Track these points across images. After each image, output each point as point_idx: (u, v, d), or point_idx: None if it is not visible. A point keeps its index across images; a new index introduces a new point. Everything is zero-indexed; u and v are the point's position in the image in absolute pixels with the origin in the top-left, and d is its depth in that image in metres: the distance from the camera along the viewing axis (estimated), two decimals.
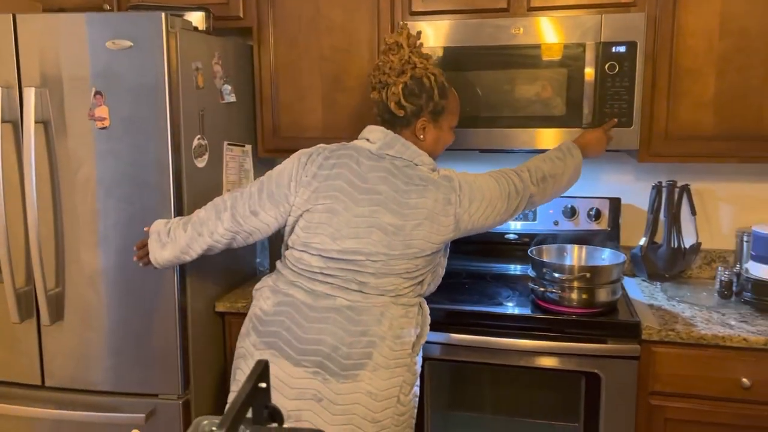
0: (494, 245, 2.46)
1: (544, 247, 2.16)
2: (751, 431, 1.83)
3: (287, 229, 1.73)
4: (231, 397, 1.76)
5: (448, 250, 1.84)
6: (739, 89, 1.99)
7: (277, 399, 1.62)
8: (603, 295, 1.93)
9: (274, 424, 0.74)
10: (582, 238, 2.34)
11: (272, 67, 2.32)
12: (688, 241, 2.32)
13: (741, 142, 2.01)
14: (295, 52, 2.29)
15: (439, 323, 1.98)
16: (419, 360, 1.74)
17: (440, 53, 2.09)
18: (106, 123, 1.90)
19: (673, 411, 1.87)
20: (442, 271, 1.83)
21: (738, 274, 2.10)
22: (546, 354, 1.91)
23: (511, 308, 2.00)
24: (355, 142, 1.75)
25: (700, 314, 1.97)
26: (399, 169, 1.67)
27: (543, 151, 2.23)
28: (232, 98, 2.19)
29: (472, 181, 1.71)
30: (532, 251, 2.08)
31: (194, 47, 1.98)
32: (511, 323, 1.95)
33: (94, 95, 1.89)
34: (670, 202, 2.29)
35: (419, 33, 1.79)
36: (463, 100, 2.10)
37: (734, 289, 2.10)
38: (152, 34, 1.84)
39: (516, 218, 2.41)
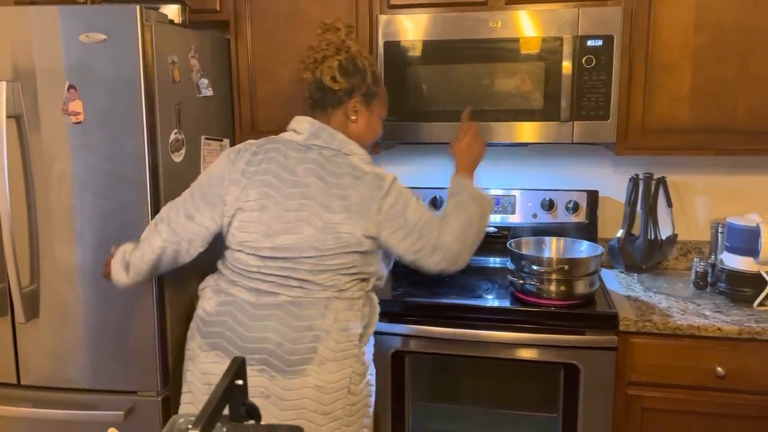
0: None
1: (523, 239, 2.18)
2: (726, 419, 1.86)
3: (224, 229, 1.71)
4: (184, 398, 1.73)
5: (392, 259, 1.79)
6: (714, 83, 2.01)
7: None
8: (581, 287, 1.95)
9: (252, 421, 0.74)
10: (560, 231, 2.35)
11: (250, 61, 2.30)
12: (664, 232, 2.35)
13: (716, 134, 2.03)
14: (273, 46, 2.27)
15: (419, 316, 1.99)
16: (369, 350, 1.74)
17: (419, 47, 2.08)
18: (81, 117, 1.87)
19: (650, 400, 1.90)
20: (386, 272, 1.79)
21: (713, 265, 2.13)
22: (525, 346, 1.92)
23: (491, 301, 2.01)
24: (283, 134, 1.73)
25: (676, 305, 2.00)
26: (328, 159, 1.65)
27: (523, 144, 2.25)
28: (209, 92, 2.16)
29: (400, 195, 1.65)
30: (510, 244, 2.09)
31: (170, 41, 1.95)
32: (491, 316, 1.96)
33: (68, 89, 1.86)
34: (646, 195, 2.31)
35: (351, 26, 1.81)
36: (442, 94, 2.11)
37: (709, 279, 2.13)
38: (127, 27, 1.82)
39: (495, 211, 2.43)
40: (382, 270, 1.77)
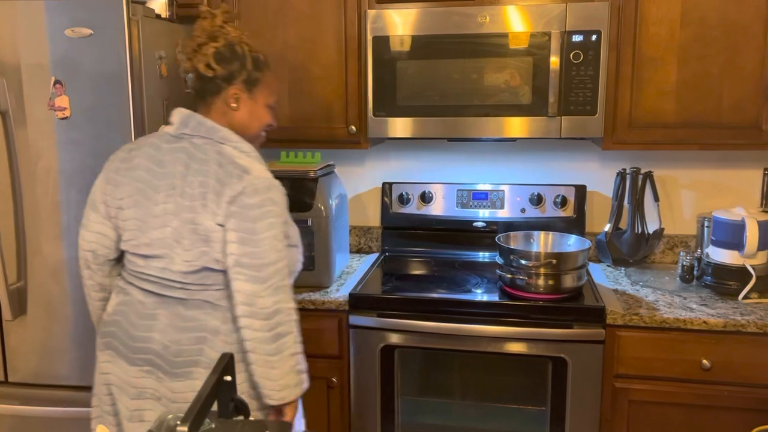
0: (462, 233, 2.48)
1: (511, 234, 2.19)
2: (711, 411, 1.89)
3: (116, 233, 1.61)
4: (94, 401, 1.63)
5: (300, 247, 1.63)
6: (699, 77, 2.03)
7: (120, 399, 1.56)
8: (569, 281, 1.96)
9: (240, 417, 0.74)
10: (548, 225, 2.37)
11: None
12: (651, 226, 2.37)
13: (701, 129, 2.05)
14: (261, 41, 2.26)
15: (408, 311, 1.99)
16: None
17: (408, 42, 2.09)
18: (67, 113, 1.86)
19: (637, 393, 1.92)
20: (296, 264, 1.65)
21: (699, 259, 2.15)
22: (514, 340, 1.93)
23: (480, 295, 2.02)
24: (161, 128, 1.65)
25: (663, 298, 2.02)
26: (197, 147, 1.54)
27: (512, 140, 2.26)
28: None
29: (265, 207, 1.47)
30: (499, 238, 2.10)
31: (157, 35, 1.94)
32: (480, 310, 1.97)
33: (54, 84, 1.85)
34: (633, 189, 2.33)
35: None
36: (431, 89, 2.11)
37: (695, 273, 2.15)
38: (113, 22, 1.80)
39: (485, 206, 2.44)
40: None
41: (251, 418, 0.73)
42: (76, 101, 1.85)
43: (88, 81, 1.83)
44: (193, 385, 1.52)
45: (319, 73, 2.24)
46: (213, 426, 0.71)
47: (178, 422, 0.67)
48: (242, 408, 0.73)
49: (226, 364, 0.71)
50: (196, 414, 0.61)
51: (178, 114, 1.61)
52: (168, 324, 1.52)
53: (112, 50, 1.81)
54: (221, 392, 0.70)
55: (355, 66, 2.21)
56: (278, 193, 1.51)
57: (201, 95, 1.64)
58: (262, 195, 1.48)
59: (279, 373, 1.48)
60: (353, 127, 2.24)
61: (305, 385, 1.55)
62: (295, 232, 1.62)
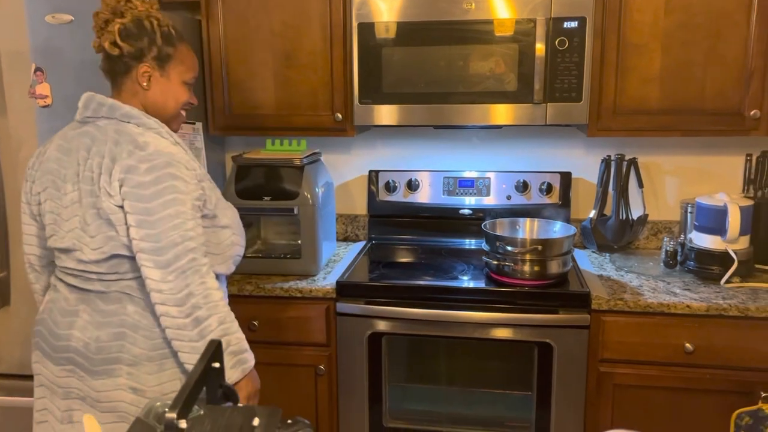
0: (449, 221, 2.48)
1: (498, 221, 2.20)
2: (694, 393, 1.92)
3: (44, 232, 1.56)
4: (37, 392, 1.57)
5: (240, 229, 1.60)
6: (683, 64, 2.04)
7: (53, 399, 1.51)
8: (554, 267, 1.98)
9: (229, 403, 0.74)
10: (534, 212, 2.38)
11: (222, 43, 2.26)
12: (635, 213, 2.39)
13: (684, 116, 2.07)
14: (246, 27, 2.24)
15: (395, 298, 2.00)
16: None
17: (393, 28, 2.08)
18: (48, 101, 1.84)
19: (621, 377, 1.94)
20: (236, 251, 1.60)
21: (682, 244, 2.18)
22: (500, 325, 1.95)
23: (466, 282, 2.03)
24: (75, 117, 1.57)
25: (647, 283, 2.04)
26: (100, 129, 1.46)
27: (498, 127, 2.26)
28: None
29: (160, 183, 1.39)
30: (485, 225, 2.11)
31: None
32: (466, 296, 1.98)
33: (35, 72, 1.82)
34: (618, 176, 2.35)
35: None
36: (417, 76, 2.10)
37: (679, 258, 2.18)
38: (94, 7, 1.77)
39: (470, 194, 2.45)
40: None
41: (240, 405, 0.72)
42: (57, 89, 1.83)
43: (70, 68, 1.81)
44: (116, 383, 1.44)
45: (304, 61, 2.23)
46: (202, 412, 0.70)
47: (167, 409, 0.67)
48: (231, 395, 0.73)
49: (214, 350, 0.70)
50: (185, 401, 0.61)
51: (83, 98, 1.53)
52: (88, 321, 1.46)
53: (92, 37, 1.79)
54: (209, 379, 0.70)
55: (341, 53, 2.20)
56: (181, 168, 1.41)
57: (111, 76, 1.54)
58: (158, 171, 1.38)
59: None
60: (339, 115, 2.23)
61: (247, 364, 1.47)
62: (226, 212, 1.56)
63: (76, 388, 1.48)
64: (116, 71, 1.53)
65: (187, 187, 1.41)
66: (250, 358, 1.49)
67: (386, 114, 2.14)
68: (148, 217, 1.37)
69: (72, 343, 1.47)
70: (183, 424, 0.60)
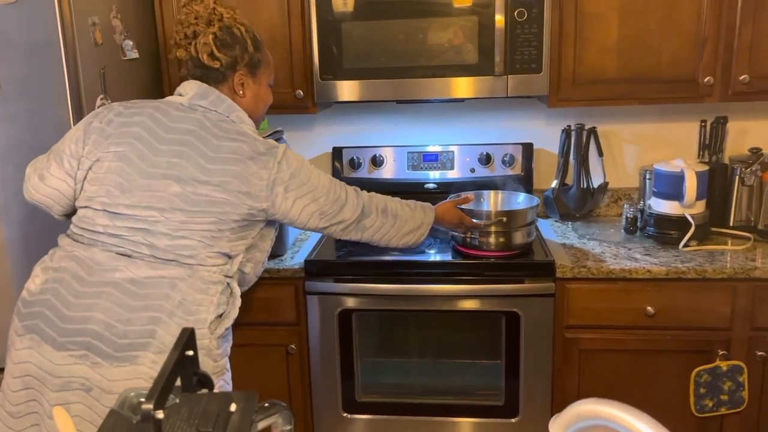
0: (414, 195, 2.48)
1: (463, 194, 2.21)
2: (656, 354, 1.98)
3: (77, 188, 1.52)
4: (13, 384, 1.45)
5: (272, 239, 1.69)
6: (639, 33, 2.07)
7: (42, 391, 1.39)
8: (519, 238, 2.01)
9: (205, 390, 0.74)
10: (498, 184, 2.40)
11: (176, 21, 2.20)
12: (596, 181, 2.44)
13: (641, 84, 2.10)
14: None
15: (364, 275, 2.01)
16: (224, 347, 1.53)
17: (351, 3, 2.05)
18: None
19: (587, 342, 2.00)
20: (262, 257, 1.67)
21: (642, 210, 2.23)
22: (467, 297, 1.98)
23: (434, 255, 2.05)
24: (167, 98, 1.61)
25: (609, 250, 2.09)
26: (213, 122, 1.52)
27: (460, 100, 2.27)
28: (134, 54, 2.07)
29: (301, 161, 1.59)
30: (450, 198, 2.12)
31: (89, 1, 1.85)
32: (433, 270, 2.00)
33: None
34: (578, 145, 2.38)
35: None
36: (377, 51, 2.09)
37: (639, 224, 2.23)
38: None
39: (435, 167, 2.45)
40: (259, 253, 1.64)
41: (216, 391, 0.72)
42: (6, 73, 1.76)
43: (18, 52, 1.74)
44: (137, 371, 1.38)
45: (262, 37, 2.18)
46: (177, 401, 0.70)
47: (142, 399, 0.66)
48: (206, 382, 0.73)
49: (187, 338, 0.70)
50: (161, 390, 0.61)
51: (193, 85, 1.57)
52: (115, 303, 1.40)
53: (40, 18, 1.72)
54: (184, 367, 0.70)
55: (299, 29, 2.16)
56: (289, 149, 1.60)
57: (204, 82, 1.59)
58: (290, 158, 1.56)
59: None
60: (300, 92, 2.20)
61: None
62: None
63: (82, 377, 1.37)
64: (211, 79, 1.59)
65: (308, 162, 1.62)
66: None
67: (348, 90, 2.13)
68: (315, 193, 1.61)
69: (91, 326, 1.38)
70: (160, 414, 0.59)
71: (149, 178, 1.45)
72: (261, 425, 0.74)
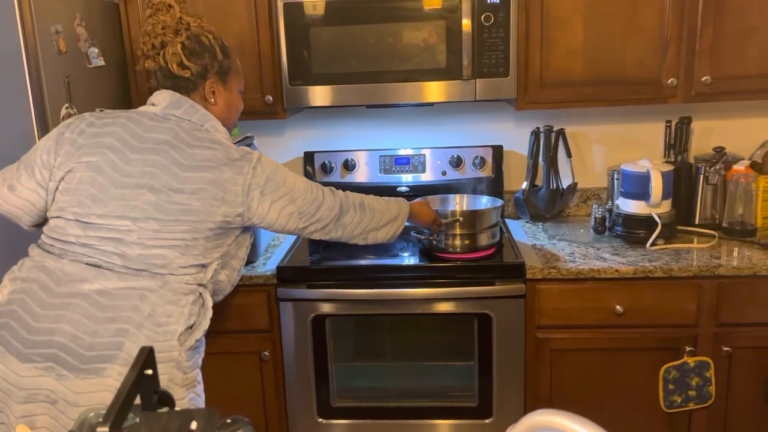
0: None
1: (429, 197, 2.22)
2: (625, 352, 2.01)
3: (49, 199, 1.51)
4: None
5: (247, 247, 1.68)
6: (603, 36, 2.10)
7: (7, 403, 1.38)
8: (484, 240, 2.03)
9: (166, 408, 0.73)
10: (469, 186, 2.42)
11: (142, 27, 2.18)
12: (565, 182, 2.47)
13: (607, 86, 2.13)
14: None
15: (336, 280, 2.01)
16: (195, 359, 1.51)
17: (321, 7, 2.05)
18: None
19: (558, 341, 2.02)
20: (237, 266, 1.65)
21: (610, 210, 2.26)
22: (440, 300, 1.99)
23: (406, 259, 2.06)
24: (139, 108, 1.60)
25: (578, 250, 2.12)
26: (187, 131, 1.52)
27: (430, 104, 2.28)
28: (100, 62, 2.05)
29: (276, 165, 1.60)
30: (424, 198, 2.13)
31: (52, 8, 1.82)
32: (405, 273, 2.01)
33: None
34: (547, 147, 2.41)
35: None
36: (347, 56, 2.09)
37: (607, 224, 2.26)
38: None
39: (407, 171, 2.46)
40: (235, 261, 1.63)
41: (177, 409, 0.72)
42: None
43: None
44: (104, 383, 1.36)
45: (231, 43, 2.16)
46: (137, 420, 0.70)
47: (101, 419, 0.66)
48: (167, 400, 0.73)
49: (146, 357, 0.70)
50: (118, 411, 0.61)
51: (166, 94, 1.57)
52: (83, 314, 1.38)
53: (0, 26, 1.69)
54: (143, 386, 0.69)
55: (268, 34, 2.16)
56: (264, 156, 1.61)
57: (175, 91, 1.58)
58: (264, 164, 1.56)
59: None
60: (270, 97, 2.20)
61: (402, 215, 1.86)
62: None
63: (47, 389, 1.35)
64: (181, 89, 1.58)
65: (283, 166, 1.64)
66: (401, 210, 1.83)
67: (318, 95, 2.13)
68: (292, 195, 1.63)
69: (57, 338, 1.36)
70: None
71: (122, 187, 1.45)
72: None
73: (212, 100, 1.62)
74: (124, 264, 1.44)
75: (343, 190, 1.76)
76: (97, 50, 2.03)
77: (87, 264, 1.44)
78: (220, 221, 1.50)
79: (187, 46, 1.56)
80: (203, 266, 1.53)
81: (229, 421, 0.75)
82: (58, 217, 1.47)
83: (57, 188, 1.48)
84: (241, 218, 1.55)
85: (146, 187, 1.45)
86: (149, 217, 1.44)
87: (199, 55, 1.58)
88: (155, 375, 0.71)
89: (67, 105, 1.88)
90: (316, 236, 1.71)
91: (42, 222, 1.58)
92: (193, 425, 0.69)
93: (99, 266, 1.44)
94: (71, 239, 1.45)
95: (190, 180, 1.47)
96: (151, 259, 1.45)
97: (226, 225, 1.53)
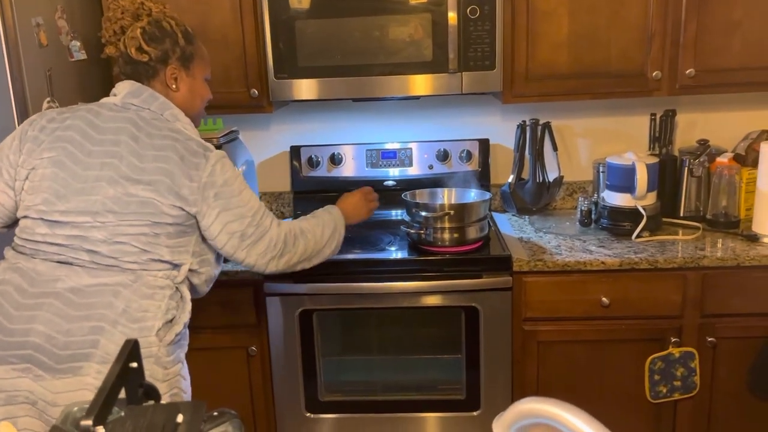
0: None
1: (417, 191, 2.22)
2: (612, 344, 2.03)
3: (18, 199, 1.49)
4: None
5: (221, 258, 1.65)
6: (588, 29, 2.10)
7: None
8: (473, 233, 2.03)
9: (151, 402, 0.73)
10: (456, 180, 2.42)
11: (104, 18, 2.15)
12: (551, 175, 2.48)
13: (593, 79, 2.14)
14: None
15: (324, 274, 2.00)
16: (177, 353, 1.48)
17: (305, 0, 2.04)
18: None
19: (544, 334, 2.03)
20: (211, 271, 1.61)
21: (596, 203, 2.27)
22: (427, 293, 1.99)
23: (393, 253, 2.06)
24: (101, 100, 1.58)
25: (564, 243, 2.13)
26: (146, 121, 1.49)
27: (416, 97, 2.28)
28: (82, 55, 2.03)
29: (237, 173, 1.55)
30: (405, 195, 2.13)
31: (32, 1, 1.80)
32: (392, 267, 2.01)
33: None
34: (533, 140, 2.42)
35: None
36: (333, 49, 2.08)
37: (593, 216, 2.27)
38: None
39: (393, 165, 2.46)
40: (202, 270, 1.56)
41: (163, 402, 0.71)
42: None
43: None
44: (81, 382, 1.34)
45: (214, 36, 2.16)
46: (122, 414, 0.69)
47: (85, 413, 0.65)
48: (152, 393, 0.72)
49: (131, 350, 0.69)
50: (102, 404, 0.60)
51: (127, 84, 1.55)
52: (56, 314, 1.37)
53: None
54: (128, 379, 0.69)
55: (252, 27, 2.14)
56: (226, 157, 1.56)
57: (135, 78, 1.56)
58: (225, 166, 1.51)
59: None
60: (255, 91, 2.18)
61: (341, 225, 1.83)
62: None
63: (25, 391, 1.34)
64: (141, 75, 1.56)
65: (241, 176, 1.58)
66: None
67: (303, 88, 2.12)
68: (241, 211, 1.56)
69: (32, 338, 1.35)
70: (101, 429, 0.58)
71: (83, 181, 1.43)
72: None
73: (174, 86, 1.59)
74: (93, 260, 1.42)
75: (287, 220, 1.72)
76: (79, 43, 2.01)
77: (58, 262, 1.42)
78: (176, 216, 1.46)
79: (147, 30, 1.54)
80: (175, 266, 1.50)
81: (215, 413, 0.74)
82: (25, 216, 1.46)
83: (23, 187, 1.47)
84: (195, 220, 1.50)
85: (105, 179, 1.43)
86: (108, 211, 1.42)
87: (159, 40, 1.55)
88: (140, 368, 0.70)
89: (48, 99, 1.85)
90: (252, 268, 1.62)
91: (12, 223, 1.55)
92: (179, 418, 0.69)
93: (70, 264, 1.42)
94: (39, 238, 1.44)
95: (147, 171, 1.44)
96: (117, 254, 1.43)
97: (183, 222, 1.48)
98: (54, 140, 1.45)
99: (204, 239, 1.54)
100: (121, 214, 1.42)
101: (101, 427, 0.59)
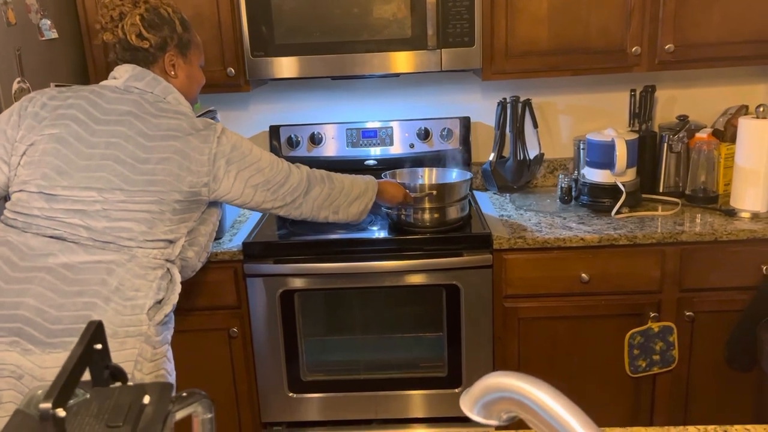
0: (355, 172, 2.46)
1: (398, 171, 2.21)
2: (592, 320, 2.04)
3: (11, 174, 1.49)
4: None
5: (215, 224, 1.70)
6: (568, 4, 2.09)
7: None
8: (453, 213, 2.03)
9: (118, 383, 0.72)
10: (437, 159, 2.41)
11: (98, 3, 2.11)
12: (532, 152, 2.47)
13: (572, 55, 2.13)
14: None
15: (305, 254, 2.00)
16: (165, 334, 1.51)
17: None
18: None
19: (525, 311, 2.04)
20: (205, 242, 1.66)
21: (576, 180, 2.27)
22: (408, 272, 1.99)
23: (375, 233, 2.05)
24: (101, 82, 1.60)
25: (545, 220, 2.13)
26: (150, 103, 1.53)
27: (396, 75, 2.25)
28: (53, 34, 1.98)
29: (241, 137, 1.62)
30: (385, 174, 2.12)
31: None
32: (373, 246, 2.00)
33: None
34: (514, 117, 2.41)
35: None
36: (311, 25, 2.05)
37: (573, 193, 2.28)
38: None
39: (374, 144, 2.44)
40: (195, 242, 1.61)
41: (130, 383, 0.71)
42: None
43: None
44: None
45: (189, 13, 2.10)
46: (87, 396, 0.68)
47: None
48: (119, 374, 0.71)
49: (95, 331, 0.68)
50: (62, 387, 0.59)
51: (128, 68, 1.57)
52: (48, 288, 1.37)
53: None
54: (92, 360, 0.68)
55: (228, 4, 2.10)
56: (227, 129, 1.62)
57: (135, 64, 1.57)
58: (229, 135, 1.58)
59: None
60: (232, 69, 2.15)
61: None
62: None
63: (12, 365, 1.34)
64: (139, 61, 1.57)
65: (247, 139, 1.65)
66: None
67: (281, 66, 2.09)
68: (258, 175, 1.64)
69: (21, 311, 1.35)
70: (61, 412, 0.57)
71: (88, 159, 1.44)
72: (179, 415, 0.72)
73: (172, 73, 1.62)
74: (90, 236, 1.43)
75: (310, 167, 1.75)
76: (49, 22, 1.96)
77: (51, 237, 1.43)
78: (186, 192, 1.51)
79: (146, 17, 1.56)
80: (170, 242, 1.53)
81: (184, 394, 0.73)
82: (20, 190, 1.46)
83: (19, 162, 1.47)
84: (207, 189, 1.55)
85: (112, 158, 1.45)
86: (115, 188, 1.44)
87: (158, 27, 1.57)
88: (105, 349, 0.69)
89: (19, 79, 1.81)
90: (283, 212, 1.70)
91: (3, 197, 1.56)
92: (146, 399, 0.68)
93: (64, 239, 1.43)
94: (35, 212, 1.44)
95: (155, 150, 1.47)
96: (117, 231, 1.45)
97: (193, 197, 1.53)
98: (56, 117, 1.47)
99: (205, 214, 1.62)
100: (129, 192, 1.45)
101: (61, 409, 0.58)
